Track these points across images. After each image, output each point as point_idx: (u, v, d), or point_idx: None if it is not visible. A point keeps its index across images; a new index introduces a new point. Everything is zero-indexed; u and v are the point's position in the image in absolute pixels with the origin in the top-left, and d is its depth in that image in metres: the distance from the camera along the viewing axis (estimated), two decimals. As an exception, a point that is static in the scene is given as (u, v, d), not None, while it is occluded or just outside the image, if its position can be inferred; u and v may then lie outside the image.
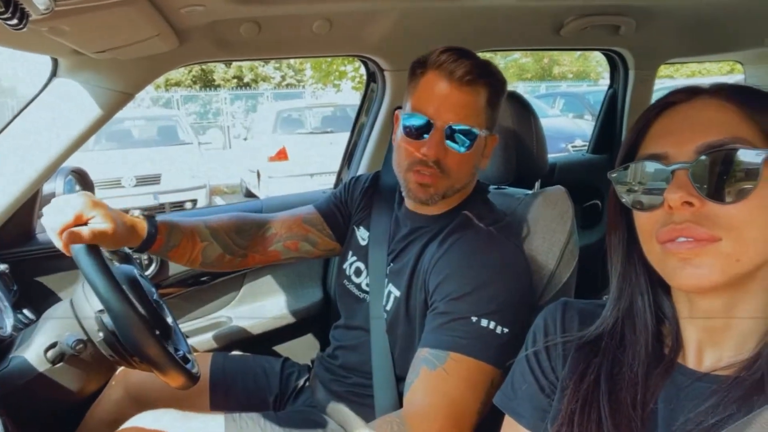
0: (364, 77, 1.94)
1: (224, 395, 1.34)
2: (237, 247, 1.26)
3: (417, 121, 1.06)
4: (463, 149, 1.06)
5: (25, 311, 1.36)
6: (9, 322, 1.24)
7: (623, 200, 0.64)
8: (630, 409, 0.62)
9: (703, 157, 0.56)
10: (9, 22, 0.66)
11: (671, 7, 1.81)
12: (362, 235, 1.28)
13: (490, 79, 1.07)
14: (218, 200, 8.51)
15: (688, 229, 0.56)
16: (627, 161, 0.64)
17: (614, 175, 0.64)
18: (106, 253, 1.09)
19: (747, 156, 0.55)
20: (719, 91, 0.61)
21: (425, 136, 1.06)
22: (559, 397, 0.69)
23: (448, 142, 1.05)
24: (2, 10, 0.63)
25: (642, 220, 0.62)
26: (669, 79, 12.89)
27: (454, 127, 1.04)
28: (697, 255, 0.56)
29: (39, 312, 1.23)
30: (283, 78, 21.33)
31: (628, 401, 0.63)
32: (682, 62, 3.04)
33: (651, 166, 0.60)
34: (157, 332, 1.01)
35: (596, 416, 0.64)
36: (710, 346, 0.62)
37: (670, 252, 0.57)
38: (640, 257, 0.66)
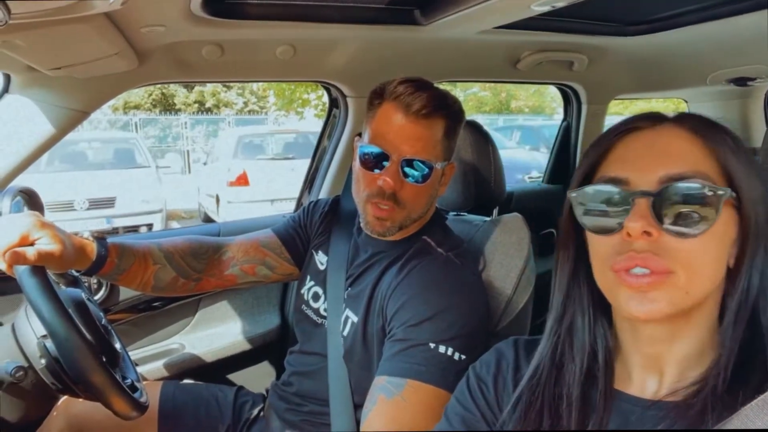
0: (327, 105, 1.96)
1: (174, 426, 1.29)
2: (192, 270, 1.23)
3: (373, 153, 1.07)
4: (418, 182, 1.06)
5: (-39, 337, 1.28)
6: (-58, 349, 1.16)
7: (580, 221, 0.63)
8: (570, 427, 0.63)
9: (665, 188, 0.57)
10: (-42, 34, 0.65)
11: (620, 45, 1.91)
12: (321, 259, 1.27)
13: (446, 111, 1.08)
14: (175, 225, 8.30)
15: (647, 260, 0.56)
16: (585, 182, 0.64)
17: (573, 194, 0.64)
18: (52, 276, 1.04)
19: (708, 191, 0.56)
20: (684, 121, 0.61)
21: (381, 167, 1.06)
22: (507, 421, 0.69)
23: (403, 174, 1.05)
24: (-48, 20, 0.61)
25: (597, 244, 0.62)
26: (618, 115, 13.49)
27: (409, 160, 1.05)
28: (653, 288, 0.56)
29: (-24, 338, 1.16)
30: (246, 104, 21.24)
31: (570, 424, 0.63)
32: (631, 98, 3.20)
33: (612, 191, 0.60)
34: (104, 359, 0.97)
35: None
36: (652, 372, 0.63)
37: (624, 282, 0.58)
38: (586, 277, 0.66)
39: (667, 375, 0.62)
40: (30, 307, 0.94)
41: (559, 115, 2.68)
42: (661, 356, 0.62)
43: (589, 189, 0.62)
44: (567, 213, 0.66)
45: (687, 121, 0.61)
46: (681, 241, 0.56)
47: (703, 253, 0.56)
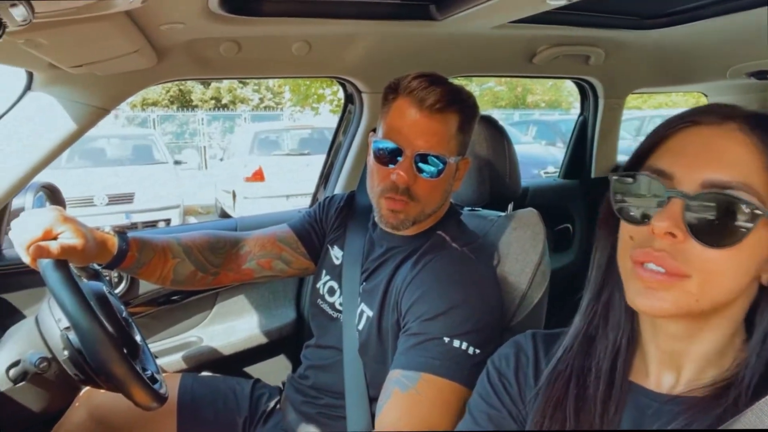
0: (342, 100, 1.97)
1: (192, 418, 1.31)
2: (210, 264, 1.25)
3: (387, 148, 1.07)
4: (432, 176, 1.07)
5: (-13, 329, 1.32)
6: (-31, 340, 1.20)
7: (613, 206, 0.62)
8: (593, 404, 0.63)
9: (704, 194, 0.55)
10: (-16, 33, 0.66)
11: (638, 39, 1.89)
12: (336, 254, 1.28)
13: (460, 105, 1.08)
14: (192, 220, 8.38)
15: (663, 259, 0.56)
16: (633, 167, 0.63)
17: (615, 178, 0.63)
18: (74, 270, 1.06)
19: (748, 208, 0.54)
20: (753, 125, 0.57)
21: (395, 162, 1.07)
22: (530, 409, 0.69)
23: (417, 169, 1.06)
24: (-23, 19, 0.63)
25: (625, 230, 0.62)
26: (637, 110, 13.31)
27: (423, 155, 1.05)
28: (662, 287, 0.56)
29: (2, 330, 1.19)
30: (262, 100, 21.35)
31: (596, 398, 0.63)
32: (649, 92, 3.16)
33: (652, 184, 0.58)
34: (125, 350, 0.99)
35: (561, 415, 0.64)
36: (668, 368, 0.63)
37: (638, 275, 0.58)
38: None
39: (685, 372, 0.62)
40: (53, 299, 0.97)
41: (576, 110, 2.65)
42: (679, 353, 0.62)
43: (630, 176, 0.61)
44: (608, 196, 0.65)
45: (757, 126, 0.57)
46: (704, 249, 0.55)
47: (725, 266, 0.55)
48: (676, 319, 0.59)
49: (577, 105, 2.65)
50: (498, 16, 1.45)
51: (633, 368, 0.66)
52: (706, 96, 2.80)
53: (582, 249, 2.59)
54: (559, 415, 0.65)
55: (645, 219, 0.58)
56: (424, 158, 1.05)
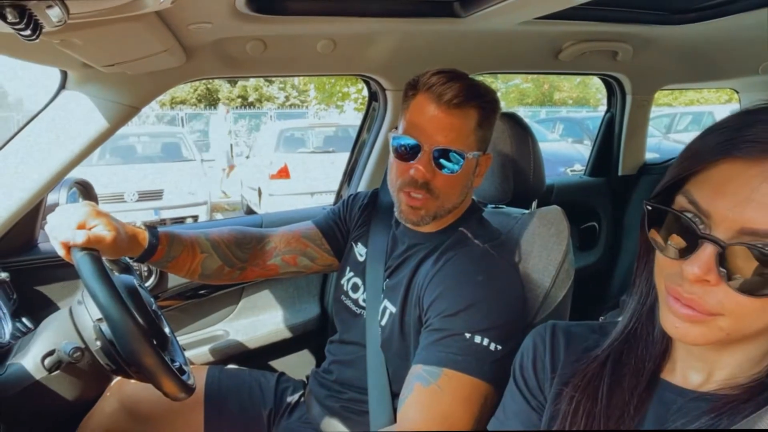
0: (366, 98, 1.98)
1: (219, 409, 1.34)
2: (236, 259, 1.28)
3: (406, 144, 1.08)
4: (451, 172, 1.07)
5: (24, 320, 1.37)
6: (7, 330, 1.25)
7: (647, 230, 0.60)
8: (627, 394, 0.63)
9: (740, 244, 0.51)
10: (22, 33, 0.69)
11: (667, 34, 1.86)
12: (360, 251, 1.29)
13: (479, 101, 1.08)
14: (219, 217, 8.51)
15: (693, 302, 0.54)
16: (670, 187, 0.58)
17: (649, 207, 0.59)
18: (106, 263, 1.10)
19: None
20: None
21: (414, 158, 1.07)
22: (557, 386, 0.70)
23: (436, 164, 1.06)
24: (17, 20, 0.65)
25: (659, 257, 0.59)
26: (668, 107, 13.02)
27: (442, 150, 1.06)
28: (691, 322, 0.55)
29: (37, 321, 1.23)
30: (287, 98, 21.54)
31: (628, 387, 0.64)
32: (679, 89, 3.10)
33: (686, 222, 0.54)
34: (155, 342, 1.01)
35: (593, 396, 0.64)
36: (700, 369, 0.63)
37: (668, 304, 0.57)
38: None
39: (717, 373, 0.61)
40: (87, 292, 1.00)
41: (604, 107, 2.61)
42: (711, 360, 0.62)
43: (664, 208, 0.57)
44: (643, 219, 0.62)
45: None
46: (738, 295, 0.52)
47: (758, 311, 0.53)
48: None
49: (605, 102, 2.61)
50: (523, 12, 1.44)
51: (664, 367, 0.66)
52: (737, 92, 2.73)
53: (608, 247, 2.56)
54: (592, 393, 0.65)
55: (676, 256, 0.56)
56: (443, 153, 1.06)
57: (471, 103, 1.06)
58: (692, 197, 0.55)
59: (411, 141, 1.07)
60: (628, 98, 2.40)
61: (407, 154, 1.08)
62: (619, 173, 2.57)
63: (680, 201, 0.57)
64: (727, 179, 0.53)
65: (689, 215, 0.55)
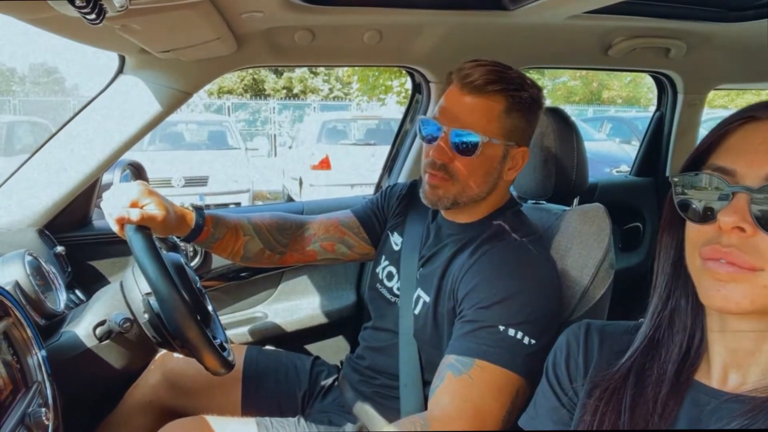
0: (410, 92, 1.98)
1: (255, 387, 1.39)
2: (277, 244, 1.31)
3: (428, 127, 1.10)
4: (467, 155, 1.07)
5: (77, 292, 1.44)
6: (62, 300, 1.32)
7: (677, 206, 0.62)
8: (651, 403, 0.63)
9: None
10: (88, 17, 0.73)
11: (723, 32, 1.79)
12: (396, 240, 1.31)
13: (505, 85, 1.06)
14: (260, 204, 8.69)
15: (732, 255, 0.55)
16: (694, 167, 0.62)
17: (675, 179, 0.63)
18: (156, 241, 1.15)
19: None
20: None
21: (436, 140, 1.09)
22: (584, 396, 0.70)
23: (454, 147, 1.07)
24: (83, 4, 0.69)
25: (691, 230, 0.61)
26: (723, 109, 12.48)
27: (459, 132, 1.06)
28: (734, 280, 0.55)
29: (89, 294, 1.30)
30: (331, 90, 21.72)
31: (655, 398, 0.63)
32: (734, 89, 2.97)
33: (714, 181, 0.58)
34: (198, 318, 1.06)
35: (616, 409, 0.64)
36: (735, 367, 0.62)
37: (708, 270, 0.57)
38: None
39: (751, 374, 0.60)
40: (137, 267, 1.05)
41: (655, 107, 2.54)
42: (746, 353, 0.61)
43: (691, 175, 0.61)
44: (671, 197, 0.65)
45: None
46: None
47: None
48: (749, 316, 0.58)
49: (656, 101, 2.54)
50: (573, 5, 1.42)
51: (699, 368, 0.65)
52: (798, 94, 2.61)
53: (652, 249, 2.48)
54: (615, 406, 0.65)
55: (710, 216, 0.58)
56: (460, 135, 1.06)
57: (495, 86, 1.05)
58: (716, 165, 0.59)
59: (432, 123, 1.09)
60: (680, 97, 2.32)
61: (430, 136, 1.10)
62: (667, 174, 2.50)
63: (705, 173, 0.60)
64: (747, 139, 0.58)
65: (716, 175, 0.58)
